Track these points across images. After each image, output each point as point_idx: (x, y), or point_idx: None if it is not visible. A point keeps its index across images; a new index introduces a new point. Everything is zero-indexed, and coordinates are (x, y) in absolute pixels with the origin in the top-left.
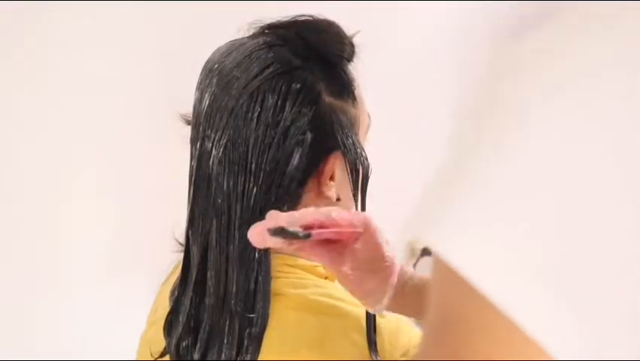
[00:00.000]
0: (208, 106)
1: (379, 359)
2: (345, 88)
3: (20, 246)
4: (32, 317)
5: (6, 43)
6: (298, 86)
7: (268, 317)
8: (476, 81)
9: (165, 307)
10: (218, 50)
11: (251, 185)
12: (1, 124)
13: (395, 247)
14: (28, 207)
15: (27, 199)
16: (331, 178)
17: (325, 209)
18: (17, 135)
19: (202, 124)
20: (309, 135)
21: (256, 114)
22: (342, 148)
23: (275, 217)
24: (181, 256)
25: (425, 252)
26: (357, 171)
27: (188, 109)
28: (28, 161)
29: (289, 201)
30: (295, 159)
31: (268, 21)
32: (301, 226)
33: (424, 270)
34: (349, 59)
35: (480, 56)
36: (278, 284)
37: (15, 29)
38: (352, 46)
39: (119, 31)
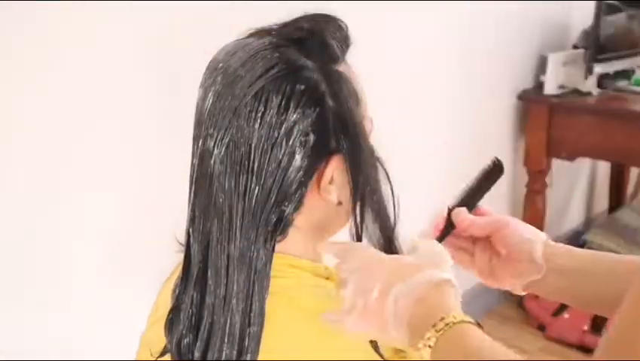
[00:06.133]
0: (211, 104)
1: (380, 359)
2: None
3: (20, 246)
4: (31, 317)
5: (6, 42)
6: (302, 87)
7: (264, 316)
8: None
9: (166, 306)
10: (223, 48)
11: (252, 185)
12: (1, 122)
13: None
14: (27, 207)
15: (27, 199)
16: (332, 181)
17: None
18: (18, 134)
19: (204, 122)
20: (311, 137)
21: (259, 114)
22: (344, 150)
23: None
24: (182, 256)
25: None
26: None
27: (190, 108)
28: (28, 160)
29: (291, 201)
30: (297, 160)
31: (274, 24)
32: None
33: None
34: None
35: (481, 56)
36: (279, 284)
37: (14, 28)
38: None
39: (120, 30)
